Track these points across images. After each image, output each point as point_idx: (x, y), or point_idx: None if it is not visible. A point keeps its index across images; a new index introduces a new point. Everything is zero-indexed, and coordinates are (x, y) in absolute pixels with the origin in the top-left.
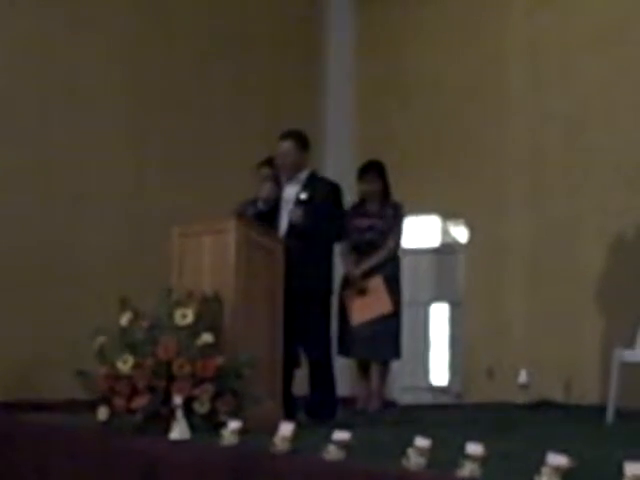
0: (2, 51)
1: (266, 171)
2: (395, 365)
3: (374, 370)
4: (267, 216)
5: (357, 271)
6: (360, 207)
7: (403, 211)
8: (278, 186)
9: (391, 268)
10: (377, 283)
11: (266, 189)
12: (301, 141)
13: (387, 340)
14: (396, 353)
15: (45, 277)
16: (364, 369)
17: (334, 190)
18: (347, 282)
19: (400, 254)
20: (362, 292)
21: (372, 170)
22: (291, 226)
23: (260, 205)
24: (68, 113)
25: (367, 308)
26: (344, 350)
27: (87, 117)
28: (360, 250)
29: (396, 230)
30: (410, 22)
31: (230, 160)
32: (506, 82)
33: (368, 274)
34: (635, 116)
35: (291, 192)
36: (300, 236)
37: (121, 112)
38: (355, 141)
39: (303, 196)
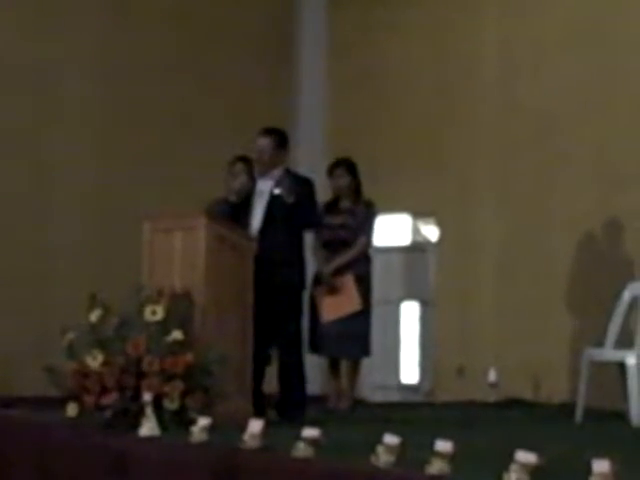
0: None
1: (239, 167)
2: (365, 363)
3: (344, 369)
4: (237, 209)
5: (328, 269)
6: (333, 205)
7: (375, 209)
8: (252, 180)
9: (362, 266)
10: (347, 281)
11: (239, 181)
12: (280, 139)
13: (356, 338)
14: (365, 351)
15: (14, 273)
16: (334, 367)
17: (308, 185)
18: (318, 279)
19: (371, 252)
20: (332, 290)
21: (341, 166)
22: (266, 220)
23: (232, 197)
24: (36, 108)
25: (337, 306)
26: (314, 347)
27: (55, 112)
28: (332, 247)
29: (367, 228)
30: (383, 21)
31: (201, 156)
32: (478, 81)
33: (339, 272)
34: (606, 113)
35: (264, 187)
36: (278, 228)
37: (91, 108)
38: (327, 139)
39: (277, 191)
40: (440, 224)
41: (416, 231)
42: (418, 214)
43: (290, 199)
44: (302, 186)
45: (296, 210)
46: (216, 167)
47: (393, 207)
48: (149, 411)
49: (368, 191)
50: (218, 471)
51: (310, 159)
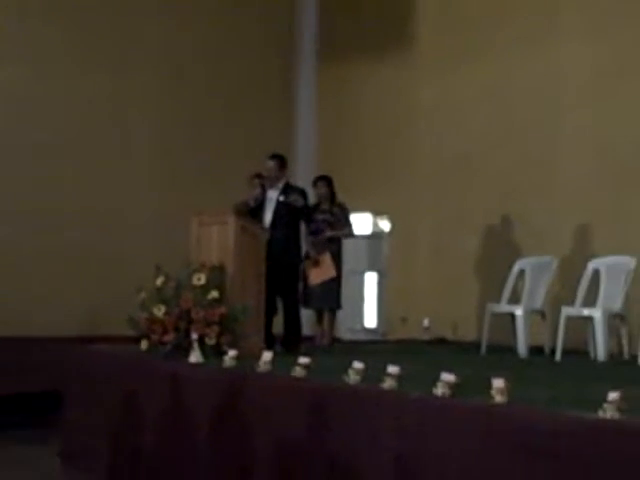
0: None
1: (256, 181)
2: (341, 313)
3: (326, 317)
4: (255, 210)
5: (321, 237)
6: (317, 206)
7: (347, 209)
8: (264, 191)
9: (335, 248)
10: (326, 257)
11: (256, 192)
12: (282, 162)
13: (332, 295)
14: (338, 304)
15: (103, 251)
16: (319, 316)
17: (303, 193)
18: (307, 256)
19: (344, 238)
20: (316, 263)
21: (321, 180)
22: (274, 218)
23: (251, 203)
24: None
25: (319, 274)
26: (305, 303)
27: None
28: (316, 235)
29: (345, 220)
30: (359, 75)
31: (234, 171)
32: (415, 127)
33: (320, 251)
34: (508, 148)
35: (272, 195)
36: (282, 223)
37: (154, 126)
38: (317, 160)
39: (282, 198)
40: (391, 220)
41: (375, 224)
42: (376, 213)
43: (299, 203)
44: (299, 195)
45: (296, 208)
46: (236, 179)
47: (360, 207)
48: (195, 345)
49: (343, 196)
50: (241, 387)
51: (305, 174)
